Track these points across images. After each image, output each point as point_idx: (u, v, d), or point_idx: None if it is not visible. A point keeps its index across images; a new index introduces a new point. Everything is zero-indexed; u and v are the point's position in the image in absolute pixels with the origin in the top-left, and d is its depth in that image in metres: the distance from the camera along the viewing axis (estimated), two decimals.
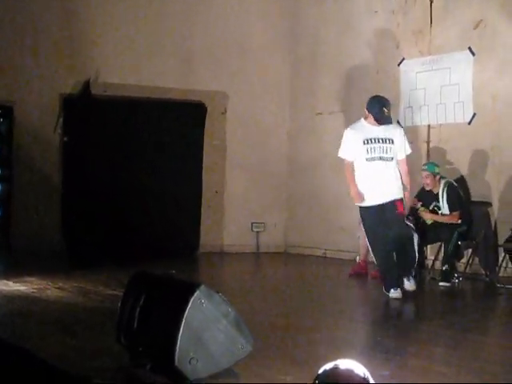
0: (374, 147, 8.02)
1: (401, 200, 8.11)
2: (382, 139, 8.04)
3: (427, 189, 9.56)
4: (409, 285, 8.22)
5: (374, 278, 9.82)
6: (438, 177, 9.51)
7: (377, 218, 8.06)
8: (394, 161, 8.10)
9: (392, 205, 8.03)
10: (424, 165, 9.78)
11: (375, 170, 8.06)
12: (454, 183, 9.65)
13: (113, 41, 12.09)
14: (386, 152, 8.05)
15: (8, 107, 11.72)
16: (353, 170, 8.22)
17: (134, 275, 4.94)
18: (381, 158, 8.04)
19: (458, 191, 9.59)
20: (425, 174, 9.52)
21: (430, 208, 9.59)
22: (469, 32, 10.37)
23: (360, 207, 8.26)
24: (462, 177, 10.32)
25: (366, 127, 8.17)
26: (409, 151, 8.32)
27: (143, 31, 12.27)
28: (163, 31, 12.41)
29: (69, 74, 11.81)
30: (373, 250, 8.25)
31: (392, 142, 8.08)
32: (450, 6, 10.65)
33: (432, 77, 10.82)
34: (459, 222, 9.32)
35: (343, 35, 12.27)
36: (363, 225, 8.33)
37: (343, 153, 8.28)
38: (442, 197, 9.45)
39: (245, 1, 12.99)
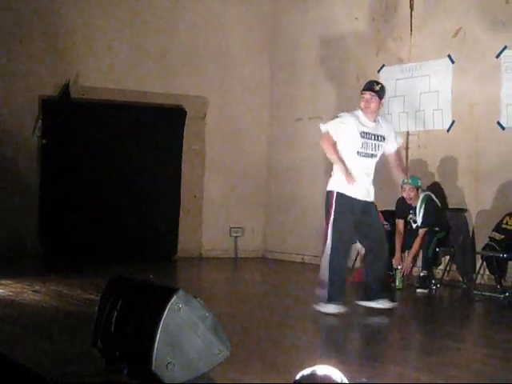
0: (368, 143, 7.54)
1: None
2: (376, 136, 7.57)
3: (409, 202, 9.57)
4: (387, 303, 7.74)
5: (351, 283, 9.83)
6: (419, 190, 9.55)
7: (352, 216, 7.55)
8: (377, 158, 7.71)
9: (375, 206, 7.78)
10: (407, 179, 9.75)
11: (364, 165, 7.63)
12: (432, 196, 9.67)
13: (93, 44, 12.06)
14: (378, 149, 7.63)
15: None
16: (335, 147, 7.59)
17: (112, 280, 4.91)
18: (372, 156, 7.62)
19: (436, 204, 9.63)
20: (408, 187, 9.48)
21: (408, 219, 9.65)
22: (448, 40, 10.43)
23: (339, 194, 7.57)
24: (439, 183, 10.37)
25: (363, 119, 7.59)
26: (400, 141, 8.00)
27: (124, 35, 12.25)
28: (143, 35, 12.39)
29: (48, 76, 11.76)
30: (334, 248, 7.41)
31: (383, 139, 7.62)
32: (430, 14, 10.70)
33: (411, 84, 10.86)
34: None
35: (323, 41, 12.30)
36: (334, 212, 7.51)
37: (332, 128, 7.58)
38: (420, 210, 9.49)
39: (225, 6, 13.00)
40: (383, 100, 7.64)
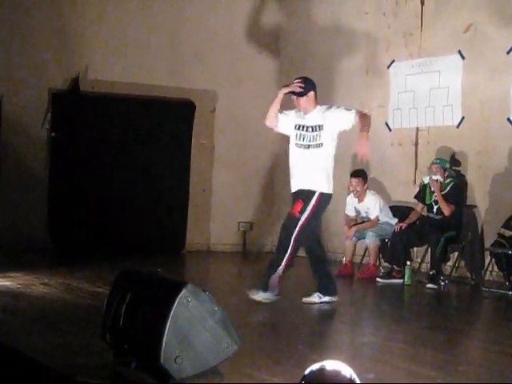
0: (303, 134, 7.64)
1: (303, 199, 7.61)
2: (311, 127, 7.63)
3: (434, 179, 9.56)
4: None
5: (360, 279, 9.84)
6: (446, 172, 9.57)
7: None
8: (322, 148, 7.64)
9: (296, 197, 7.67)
10: (435, 159, 9.80)
11: (303, 156, 7.65)
12: (461, 186, 9.74)
13: (102, 38, 12.06)
14: (315, 140, 7.63)
15: None
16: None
17: (121, 273, 4.91)
18: (309, 146, 7.63)
19: (462, 189, 9.68)
20: (435, 167, 9.58)
21: (432, 199, 9.64)
22: (459, 36, 10.39)
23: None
24: None
25: (300, 113, 7.75)
26: (353, 110, 7.75)
27: (133, 29, 12.25)
28: (153, 29, 12.38)
29: (58, 69, 11.77)
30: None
31: (321, 128, 7.60)
32: (441, 10, 10.67)
33: (421, 79, 10.84)
34: (447, 215, 9.38)
35: (333, 36, 12.27)
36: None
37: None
38: (445, 189, 9.49)
39: (234, 3, 12.97)
40: (312, 92, 7.71)
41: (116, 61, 12.14)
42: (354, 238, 10.14)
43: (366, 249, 10.24)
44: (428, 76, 10.75)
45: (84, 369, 4.72)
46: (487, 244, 9.55)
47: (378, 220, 10.00)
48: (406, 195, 10.72)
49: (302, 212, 7.56)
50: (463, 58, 10.30)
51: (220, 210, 12.89)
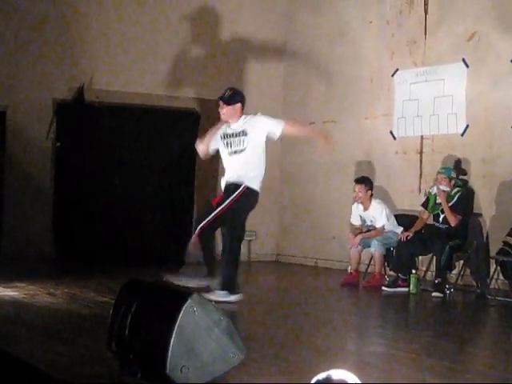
0: (230, 141, 8.02)
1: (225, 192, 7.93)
2: (237, 133, 8.01)
3: (442, 189, 9.57)
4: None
5: (365, 287, 9.83)
6: (452, 182, 9.57)
7: None
8: (246, 151, 7.94)
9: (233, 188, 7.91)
10: (442, 168, 9.81)
11: (234, 161, 8.00)
12: (468, 195, 9.74)
13: (107, 47, 12.08)
14: (242, 144, 7.97)
15: (1, 112, 11.68)
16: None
17: (126, 283, 4.91)
18: (236, 152, 7.98)
19: (469, 202, 9.68)
20: (441, 176, 9.56)
21: (438, 209, 9.65)
22: (463, 44, 10.41)
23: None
24: None
25: (227, 124, 8.11)
26: (281, 124, 8.09)
27: (138, 39, 12.27)
28: (158, 38, 12.40)
29: (62, 79, 11.80)
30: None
31: (245, 133, 7.96)
32: (445, 18, 10.68)
33: (425, 88, 10.84)
34: (453, 225, 9.37)
35: (337, 44, 12.29)
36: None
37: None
38: (452, 199, 9.48)
39: (239, 10, 12.99)
40: (238, 104, 8.08)
41: (120, 71, 12.16)
42: (359, 247, 10.13)
43: (372, 257, 10.22)
44: (432, 84, 10.76)
45: (89, 379, 4.72)
46: (493, 252, 9.53)
47: (384, 229, 9.99)
48: (410, 203, 10.73)
49: (218, 204, 7.83)
50: (467, 66, 10.31)
51: None
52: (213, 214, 7.75)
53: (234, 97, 8.08)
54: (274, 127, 8.04)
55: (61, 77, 11.80)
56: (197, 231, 7.77)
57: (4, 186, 11.72)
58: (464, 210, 9.56)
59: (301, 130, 8.23)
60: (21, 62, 11.63)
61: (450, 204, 9.47)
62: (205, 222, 7.74)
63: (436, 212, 9.70)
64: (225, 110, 8.04)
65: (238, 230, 8.07)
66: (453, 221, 9.41)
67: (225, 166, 8.18)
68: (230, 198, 7.81)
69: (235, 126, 8.04)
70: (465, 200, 9.64)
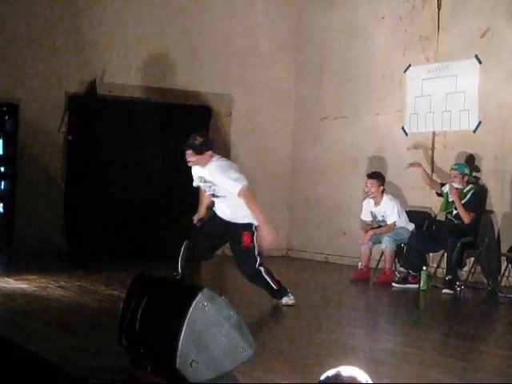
0: (205, 186, 7.79)
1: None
2: (207, 180, 7.74)
3: (455, 186, 9.55)
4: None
5: (375, 284, 9.82)
6: (466, 178, 9.54)
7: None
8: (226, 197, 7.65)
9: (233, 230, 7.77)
10: (454, 165, 9.77)
11: (217, 202, 7.83)
12: (481, 192, 9.70)
13: (119, 41, 12.09)
14: (214, 191, 7.74)
15: (13, 105, 11.71)
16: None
17: (137, 277, 4.92)
18: (214, 196, 7.78)
19: (481, 195, 9.66)
20: (454, 173, 9.54)
21: (450, 208, 9.63)
22: (476, 40, 10.37)
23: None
24: None
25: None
26: (239, 184, 7.53)
27: (149, 32, 12.27)
28: (170, 33, 12.41)
29: (75, 73, 11.81)
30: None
31: (213, 184, 7.67)
32: (458, 14, 10.64)
33: (438, 84, 10.81)
34: (466, 223, 9.35)
35: (349, 40, 12.26)
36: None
37: None
38: (465, 197, 9.46)
39: (251, 5, 12.99)
40: (208, 152, 7.62)
41: (133, 65, 12.17)
42: (370, 243, 10.12)
43: (382, 253, 10.21)
44: (445, 80, 10.72)
45: (100, 372, 4.74)
46: (504, 249, 9.52)
47: (395, 225, 9.98)
48: (421, 200, 10.71)
49: (252, 240, 7.72)
50: (480, 62, 10.27)
51: None
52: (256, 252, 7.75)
53: (204, 145, 7.63)
54: (232, 187, 7.58)
55: (73, 70, 11.81)
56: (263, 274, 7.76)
57: (16, 179, 11.76)
58: (477, 208, 9.52)
59: (253, 211, 7.60)
60: (33, 55, 11.65)
61: (462, 202, 9.44)
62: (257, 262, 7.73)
63: (449, 210, 9.67)
64: (195, 159, 7.63)
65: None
66: (466, 218, 9.38)
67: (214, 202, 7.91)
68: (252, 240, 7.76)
69: (206, 171, 7.68)
70: (478, 197, 9.61)
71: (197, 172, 7.83)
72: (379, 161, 11.50)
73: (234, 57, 12.83)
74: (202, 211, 8.12)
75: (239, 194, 7.49)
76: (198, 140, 7.63)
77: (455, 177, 9.52)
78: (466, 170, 9.62)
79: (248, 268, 7.70)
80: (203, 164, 7.66)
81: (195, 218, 8.09)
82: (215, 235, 7.82)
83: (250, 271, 7.70)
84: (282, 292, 7.72)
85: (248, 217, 7.66)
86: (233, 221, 7.71)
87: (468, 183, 9.58)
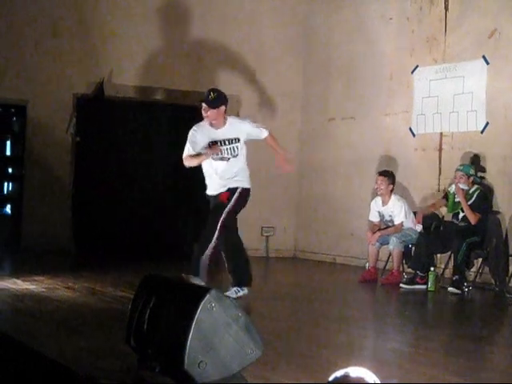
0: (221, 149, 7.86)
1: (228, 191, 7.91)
2: (226, 141, 7.87)
3: (460, 186, 9.54)
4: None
5: (383, 284, 9.82)
6: (471, 178, 9.53)
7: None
8: (239, 157, 7.94)
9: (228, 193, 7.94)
10: (460, 165, 9.77)
11: (220, 168, 7.93)
12: (487, 193, 9.69)
13: (127, 43, 12.12)
14: (233, 152, 7.92)
15: (21, 106, 11.75)
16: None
17: (145, 278, 4.93)
18: (228, 159, 7.91)
19: (487, 196, 9.64)
20: (459, 174, 9.53)
21: (456, 208, 9.62)
22: (483, 41, 10.35)
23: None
24: None
25: (209, 129, 7.93)
26: (265, 131, 8.13)
27: (157, 34, 12.30)
28: (177, 35, 12.43)
29: (82, 74, 11.84)
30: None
31: (237, 140, 7.90)
32: (465, 15, 10.63)
33: (445, 85, 10.80)
34: (473, 224, 9.34)
35: (357, 41, 12.26)
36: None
37: (187, 152, 8.07)
38: (471, 198, 9.45)
39: (258, 6, 13.00)
40: (223, 107, 7.84)
41: (141, 66, 12.20)
42: (378, 244, 10.11)
43: (390, 254, 10.21)
44: (452, 81, 10.72)
45: (108, 373, 4.75)
46: None
47: (402, 226, 9.97)
48: (429, 200, 10.69)
49: (229, 199, 7.85)
50: (487, 63, 10.26)
51: (243, 215, 12.83)
52: (226, 210, 7.86)
53: (219, 99, 7.84)
54: (260, 133, 8.09)
55: (81, 72, 11.85)
56: (217, 231, 7.81)
57: (24, 180, 11.80)
58: (483, 208, 9.51)
59: (277, 146, 8.22)
60: (41, 57, 11.68)
61: (469, 203, 9.43)
62: (222, 218, 7.76)
63: (456, 211, 9.66)
64: (209, 113, 7.81)
65: (235, 226, 8.08)
66: (472, 219, 9.37)
67: (213, 169, 7.98)
68: (235, 196, 7.90)
69: (224, 132, 7.87)
70: (484, 198, 9.60)
71: (206, 140, 7.88)
72: (386, 162, 11.49)
73: (242, 58, 12.84)
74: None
75: (269, 135, 8.09)
76: (213, 95, 7.85)
77: (460, 178, 9.51)
78: (472, 171, 9.60)
79: (211, 223, 7.82)
80: (217, 120, 7.83)
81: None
82: None
83: (212, 222, 7.80)
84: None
85: (244, 178, 7.97)
86: (227, 186, 7.87)
87: (473, 184, 9.57)
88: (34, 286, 8.33)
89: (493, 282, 9.54)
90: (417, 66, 11.24)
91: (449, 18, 10.83)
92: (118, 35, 12.09)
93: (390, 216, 10.13)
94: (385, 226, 10.23)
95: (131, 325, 4.78)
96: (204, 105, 7.85)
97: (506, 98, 10.06)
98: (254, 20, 12.95)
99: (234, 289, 7.81)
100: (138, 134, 12.04)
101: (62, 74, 11.79)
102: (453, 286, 9.15)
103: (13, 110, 12.17)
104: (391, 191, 10.14)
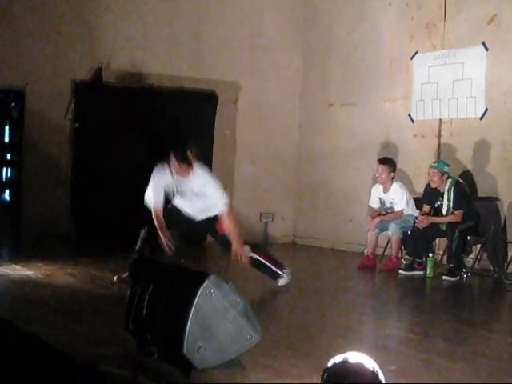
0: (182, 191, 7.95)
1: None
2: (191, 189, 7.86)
3: (433, 186, 9.56)
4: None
5: (382, 271, 9.83)
6: (445, 176, 9.50)
7: None
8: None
9: None
10: (434, 162, 9.77)
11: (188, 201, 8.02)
12: (461, 181, 9.65)
13: (126, 28, 12.06)
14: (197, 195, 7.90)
15: (19, 92, 11.70)
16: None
17: (136, 260, 4.94)
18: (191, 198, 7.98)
19: (465, 189, 9.60)
20: (432, 171, 9.51)
21: (436, 206, 9.63)
22: (483, 27, 10.32)
23: None
24: (470, 172, 10.30)
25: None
26: (222, 205, 7.84)
27: (156, 20, 12.24)
28: (177, 20, 12.37)
29: (81, 60, 11.79)
30: None
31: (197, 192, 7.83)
32: (464, 1, 10.60)
33: (445, 71, 10.78)
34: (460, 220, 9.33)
35: (356, 27, 12.23)
36: None
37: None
38: (448, 195, 9.45)
39: None
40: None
41: (139, 51, 12.14)
42: (377, 230, 10.11)
43: (389, 240, 10.21)
44: (451, 67, 10.69)
45: (106, 358, 4.76)
46: (510, 236, 9.51)
47: (403, 212, 9.97)
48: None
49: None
50: (487, 49, 10.23)
51: (242, 201, 12.89)
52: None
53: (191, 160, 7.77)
54: (217, 202, 7.84)
55: (79, 57, 11.79)
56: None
57: (22, 166, 11.78)
58: (464, 202, 9.44)
59: (233, 231, 7.86)
60: (39, 42, 11.62)
61: (450, 203, 9.43)
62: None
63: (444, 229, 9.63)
64: (179, 169, 7.78)
65: None
66: (457, 219, 9.35)
67: (180, 204, 8.01)
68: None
69: (185, 185, 7.85)
70: (461, 193, 9.49)
71: (170, 187, 7.99)
72: (386, 148, 11.48)
73: (241, 44, 12.80)
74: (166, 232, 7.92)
75: (225, 212, 7.85)
76: (190, 154, 7.81)
77: (434, 175, 9.48)
78: (446, 168, 9.54)
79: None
80: (184, 174, 7.82)
81: (168, 245, 7.84)
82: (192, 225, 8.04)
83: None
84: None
85: (214, 208, 7.88)
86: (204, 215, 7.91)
87: (446, 180, 9.51)
88: (32, 272, 8.34)
89: (491, 268, 9.56)
90: (416, 52, 11.21)
91: (448, 4, 10.79)
92: (117, 21, 12.02)
93: (391, 203, 10.12)
94: (384, 213, 10.23)
95: (130, 310, 4.79)
96: (175, 159, 7.77)
97: (506, 84, 10.04)
98: (253, 5, 12.89)
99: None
100: (137, 120, 11.99)
101: (60, 60, 11.73)
102: (448, 275, 9.16)
103: (11, 96, 12.13)
104: (392, 178, 10.12)
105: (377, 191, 10.27)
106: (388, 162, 10.15)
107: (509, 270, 9.40)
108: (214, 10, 12.61)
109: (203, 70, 12.54)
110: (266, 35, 12.96)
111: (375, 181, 10.43)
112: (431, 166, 9.59)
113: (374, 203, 10.32)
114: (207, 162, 12.43)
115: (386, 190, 10.13)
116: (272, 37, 12.99)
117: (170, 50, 12.33)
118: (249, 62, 12.88)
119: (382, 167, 10.11)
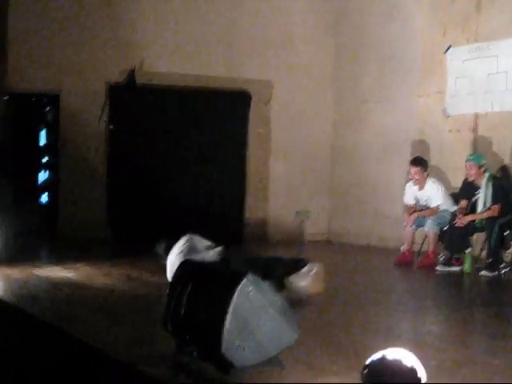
0: None
1: None
2: None
3: (470, 179, 9.47)
4: None
5: (419, 267, 9.77)
6: (482, 169, 9.41)
7: None
8: None
9: None
10: (470, 155, 9.69)
11: None
12: (497, 176, 9.56)
13: (158, 30, 12.12)
14: None
15: (55, 95, 11.82)
16: None
17: (182, 263, 4.96)
18: None
19: (502, 184, 9.50)
20: (469, 164, 9.42)
21: (473, 200, 9.52)
22: None
23: None
24: (506, 166, 10.20)
25: None
26: None
27: (189, 20, 12.28)
28: (209, 20, 12.40)
29: (114, 62, 11.87)
30: None
31: None
32: None
33: (479, 65, 10.69)
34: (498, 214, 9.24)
35: (388, 22, 12.16)
36: None
37: None
38: (486, 189, 9.35)
39: None
40: None
41: (172, 53, 12.20)
42: (414, 226, 10.06)
43: (425, 237, 10.15)
44: (486, 61, 10.60)
45: (146, 359, 4.78)
46: None
47: (439, 208, 9.90)
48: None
49: None
50: None
51: (277, 199, 12.90)
52: None
53: None
54: None
55: (113, 60, 11.88)
56: None
57: (59, 168, 11.89)
58: (501, 196, 9.33)
59: None
60: (73, 46, 11.72)
61: (488, 198, 9.30)
62: None
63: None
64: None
65: None
66: (493, 213, 9.24)
67: None
68: None
69: None
70: (498, 187, 9.38)
71: None
72: (421, 144, 11.41)
73: (273, 42, 12.80)
74: None
75: None
76: None
77: (471, 168, 9.38)
78: (483, 161, 9.45)
79: None
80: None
81: None
82: None
83: None
84: None
85: None
86: None
87: (484, 173, 9.40)
88: (71, 274, 8.41)
89: None
90: (450, 46, 11.13)
91: None
92: (150, 23, 12.08)
93: (426, 201, 10.05)
94: (420, 210, 10.17)
95: (169, 310, 4.81)
96: None
97: None
98: (285, 3, 12.89)
99: None
100: (171, 121, 12.05)
101: (93, 63, 11.83)
102: (486, 269, 9.08)
103: (46, 100, 12.25)
104: (426, 177, 10.05)
105: (411, 189, 10.20)
106: (420, 163, 10.06)
107: None
108: (246, 9, 12.63)
109: (236, 70, 12.57)
110: (297, 33, 12.95)
111: (409, 177, 10.35)
112: (468, 160, 9.50)
113: (410, 200, 10.26)
114: (242, 160, 12.50)
115: (421, 188, 10.07)
116: (304, 35, 12.98)
117: (203, 50, 12.37)
118: (281, 61, 12.88)
119: (414, 169, 10.03)
